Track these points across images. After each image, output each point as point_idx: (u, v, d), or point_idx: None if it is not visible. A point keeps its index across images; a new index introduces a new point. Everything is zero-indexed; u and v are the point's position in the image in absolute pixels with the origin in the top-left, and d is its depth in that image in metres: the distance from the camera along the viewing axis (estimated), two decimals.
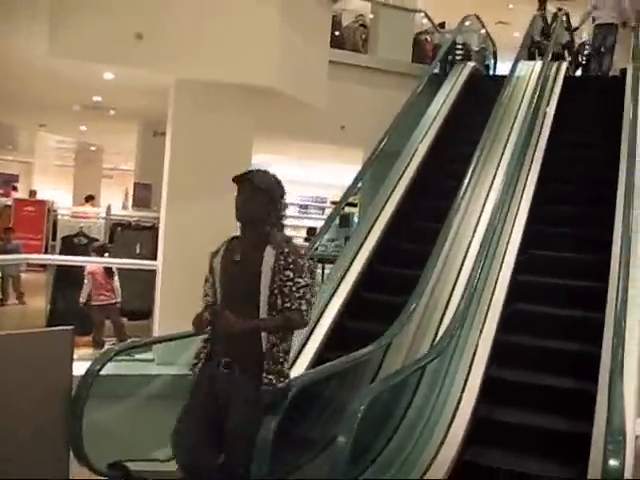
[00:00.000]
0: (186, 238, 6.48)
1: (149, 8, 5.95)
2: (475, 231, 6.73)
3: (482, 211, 7.02)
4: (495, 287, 6.04)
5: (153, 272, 6.89)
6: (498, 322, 5.71)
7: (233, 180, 3.46)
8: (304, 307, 3.37)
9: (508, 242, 6.56)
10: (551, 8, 12.98)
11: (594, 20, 12.01)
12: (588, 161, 8.04)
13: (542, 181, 7.49)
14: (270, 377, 3.35)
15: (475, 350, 5.44)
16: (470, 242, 6.61)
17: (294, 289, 3.35)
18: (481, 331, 5.60)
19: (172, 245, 6.61)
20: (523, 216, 6.94)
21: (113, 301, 8.60)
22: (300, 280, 3.36)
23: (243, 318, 3.26)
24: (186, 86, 6.42)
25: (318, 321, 6.15)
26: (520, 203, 7.10)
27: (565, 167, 7.96)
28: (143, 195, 9.84)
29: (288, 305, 3.34)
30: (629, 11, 11.43)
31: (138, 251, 8.58)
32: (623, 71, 10.15)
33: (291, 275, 3.35)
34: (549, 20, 12.59)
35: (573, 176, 7.88)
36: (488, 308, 5.82)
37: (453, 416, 4.96)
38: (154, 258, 7.10)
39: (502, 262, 6.32)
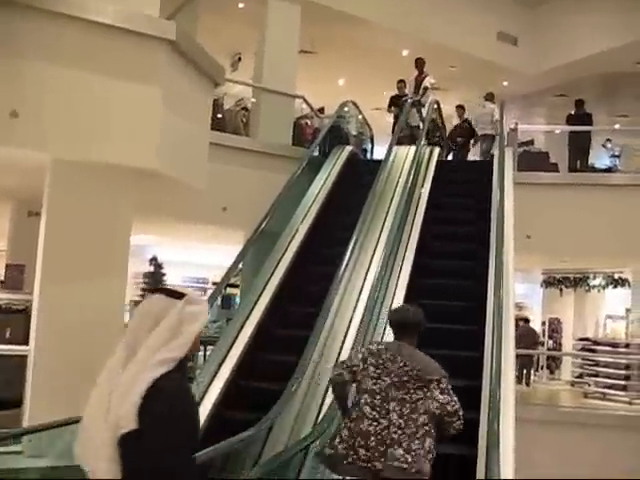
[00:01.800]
0: (61, 322, 6.26)
1: (26, 86, 5.84)
2: (354, 312, 6.85)
3: (362, 288, 7.17)
4: None
5: (24, 358, 6.57)
6: None
7: None
8: None
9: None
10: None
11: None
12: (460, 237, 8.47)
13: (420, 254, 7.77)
14: None
15: None
16: (349, 324, 6.71)
17: None
18: None
19: (45, 329, 6.35)
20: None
21: None
22: None
23: None
24: (63, 166, 6.29)
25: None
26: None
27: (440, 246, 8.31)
28: (15, 277, 9.40)
29: None
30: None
31: (8, 336, 8.16)
32: (491, 156, 10.82)
33: None
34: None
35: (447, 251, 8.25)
36: None
37: None
38: (25, 343, 6.78)
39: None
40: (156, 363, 2.17)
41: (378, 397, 3.93)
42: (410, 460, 3.75)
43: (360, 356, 4.12)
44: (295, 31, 12.52)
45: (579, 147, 12.91)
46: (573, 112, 13.53)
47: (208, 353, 7.29)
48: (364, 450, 3.83)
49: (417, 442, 3.80)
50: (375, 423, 3.88)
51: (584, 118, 13.28)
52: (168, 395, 2.15)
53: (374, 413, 3.90)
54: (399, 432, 3.83)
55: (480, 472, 4.58)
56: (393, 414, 3.87)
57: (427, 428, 3.87)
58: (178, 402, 2.18)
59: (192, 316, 2.29)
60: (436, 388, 3.90)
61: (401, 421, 3.86)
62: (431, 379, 3.92)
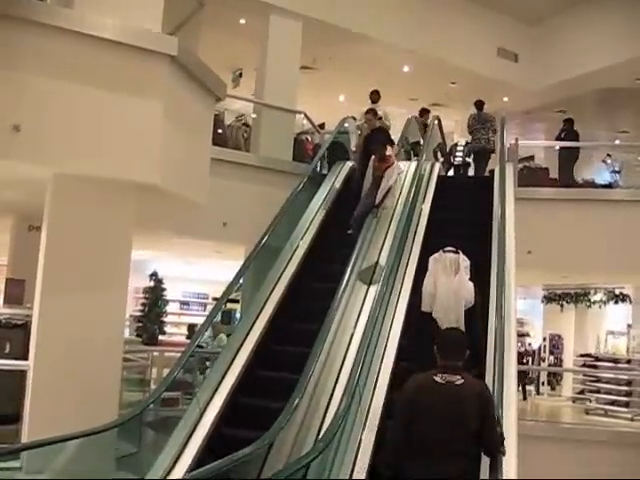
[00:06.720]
0: (60, 336, 6.24)
1: (27, 100, 5.84)
2: (356, 325, 6.80)
3: (363, 302, 7.13)
4: (376, 384, 6.06)
5: (23, 373, 6.53)
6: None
7: None
8: None
9: (387, 339, 6.65)
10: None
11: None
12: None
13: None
14: None
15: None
16: (352, 336, 6.67)
17: None
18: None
19: (45, 344, 6.33)
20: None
21: None
22: None
23: None
24: (64, 180, 6.30)
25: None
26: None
27: None
28: (16, 291, 9.38)
29: None
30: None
31: (8, 351, 8.13)
32: (491, 172, 10.81)
33: None
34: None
35: None
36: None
37: None
38: (25, 358, 6.75)
39: (381, 363, 6.38)
40: None
41: None
42: None
43: None
44: (296, 47, 12.56)
45: (566, 159, 12.95)
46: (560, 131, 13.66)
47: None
48: None
49: None
50: None
51: (569, 136, 13.37)
52: None
53: None
54: None
55: None
56: None
57: None
58: None
59: None
60: None
61: None
62: None
